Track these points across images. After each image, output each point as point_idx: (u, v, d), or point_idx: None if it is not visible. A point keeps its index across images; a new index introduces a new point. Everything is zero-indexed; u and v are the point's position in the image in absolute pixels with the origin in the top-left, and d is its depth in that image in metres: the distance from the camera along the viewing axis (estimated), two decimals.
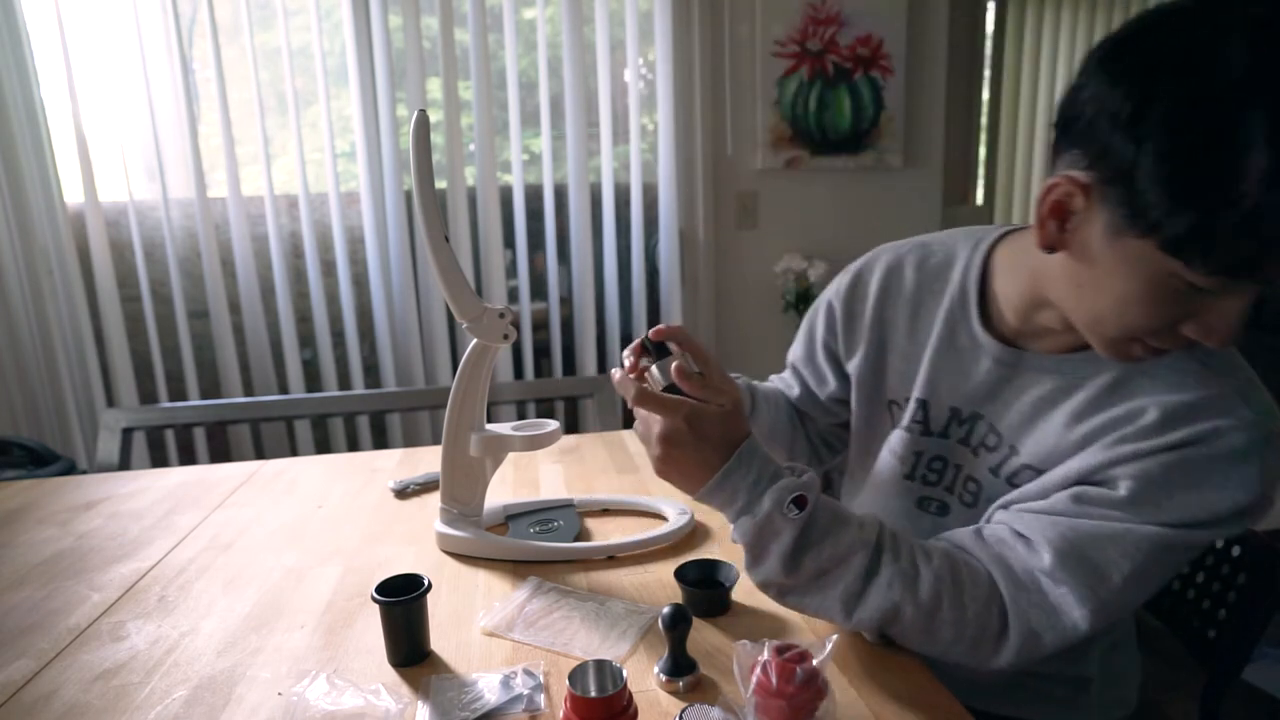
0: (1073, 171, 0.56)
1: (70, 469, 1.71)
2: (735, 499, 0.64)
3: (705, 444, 0.64)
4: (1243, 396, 0.62)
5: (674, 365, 0.68)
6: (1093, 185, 0.55)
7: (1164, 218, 0.51)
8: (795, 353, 0.98)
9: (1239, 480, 0.60)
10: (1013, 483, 0.72)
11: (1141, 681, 0.87)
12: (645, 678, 0.63)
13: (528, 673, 0.64)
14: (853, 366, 0.87)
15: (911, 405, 0.80)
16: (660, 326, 0.72)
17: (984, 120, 3.10)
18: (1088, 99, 0.55)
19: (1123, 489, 0.62)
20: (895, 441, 0.83)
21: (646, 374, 0.73)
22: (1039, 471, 0.69)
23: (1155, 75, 0.51)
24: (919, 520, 0.81)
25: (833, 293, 0.89)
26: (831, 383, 0.92)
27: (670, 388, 0.69)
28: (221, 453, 2.20)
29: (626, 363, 0.74)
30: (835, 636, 0.56)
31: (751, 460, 0.64)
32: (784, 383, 1.00)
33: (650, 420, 0.66)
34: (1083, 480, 0.65)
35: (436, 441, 1.77)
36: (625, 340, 2.36)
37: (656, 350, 0.72)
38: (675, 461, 0.65)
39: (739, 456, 0.64)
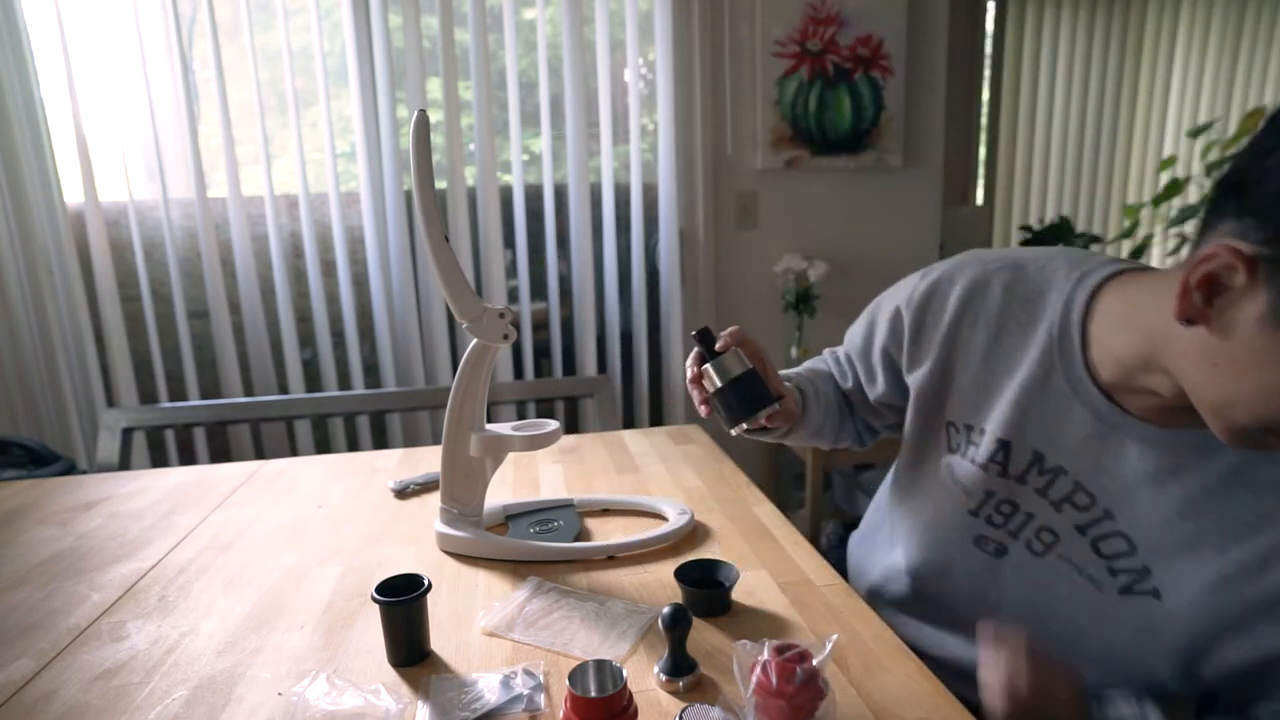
0: (1238, 243, 0.50)
1: (70, 469, 1.71)
2: None
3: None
4: None
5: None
6: (1261, 262, 0.49)
7: None
8: (852, 343, 0.92)
9: None
10: (1099, 546, 0.68)
11: None
12: (645, 678, 0.63)
13: (528, 673, 0.64)
14: (914, 379, 0.81)
15: (988, 442, 0.73)
16: (731, 334, 0.77)
17: (984, 120, 3.10)
18: (1274, 166, 0.48)
19: None
20: (964, 473, 0.76)
21: (705, 377, 0.77)
22: (1133, 543, 0.65)
23: None
24: (972, 557, 0.76)
25: (904, 299, 0.81)
26: (880, 386, 0.87)
27: (729, 384, 0.74)
28: (221, 453, 2.20)
29: (689, 371, 0.78)
30: (835, 636, 0.56)
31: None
32: (838, 369, 0.95)
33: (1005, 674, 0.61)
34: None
35: (436, 441, 1.77)
36: (625, 340, 2.36)
37: (706, 347, 0.77)
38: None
39: None
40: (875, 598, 0.89)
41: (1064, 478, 0.69)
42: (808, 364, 1.00)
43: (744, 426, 0.77)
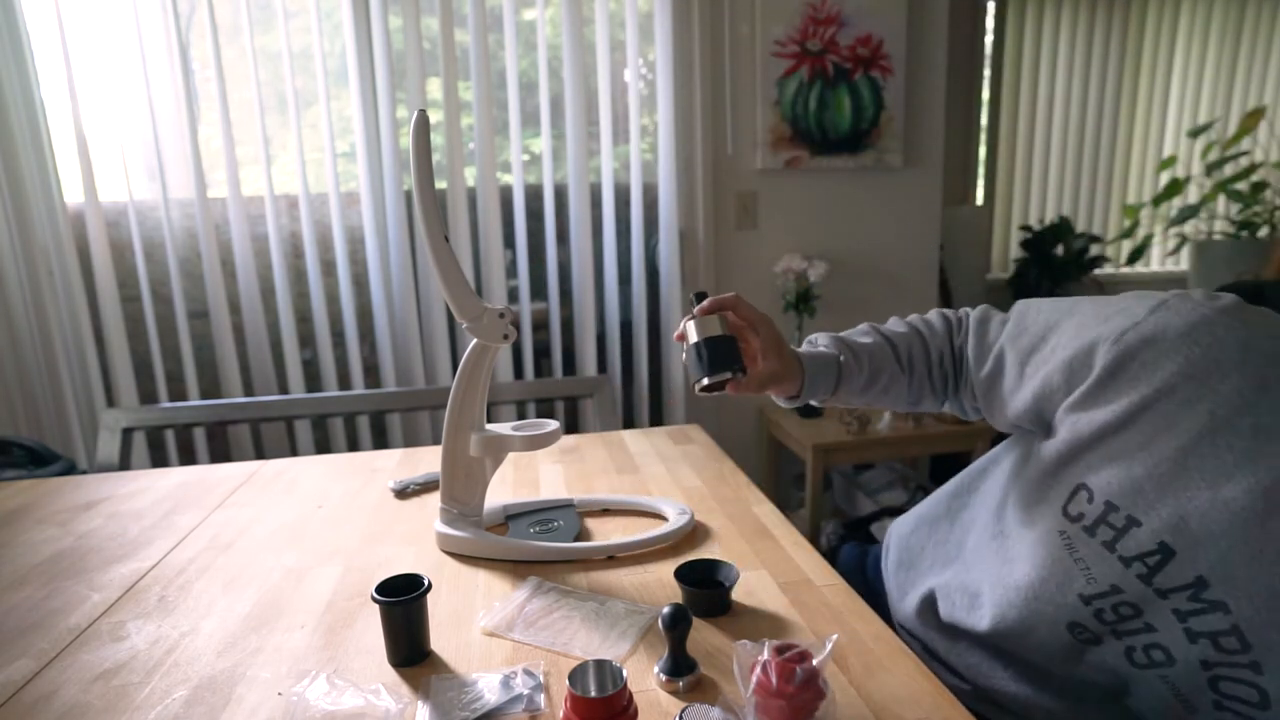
0: None
1: (70, 469, 1.71)
2: None
3: None
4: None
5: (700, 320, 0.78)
6: None
7: None
8: (995, 331, 0.78)
9: None
10: (1220, 687, 0.60)
11: None
12: (645, 678, 0.63)
13: (528, 673, 0.64)
14: (1070, 418, 0.66)
15: (1146, 538, 0.61)
16: (716, 299, 0.79)
17: (984, 120, 3.10)
18: None
19: None
20: (1093, 557, 0.64)
21: (684, 335, 0.80)
22: (1267, 698, 0.58)
23: None
24: (1058, 635, 0.69)
25: (1112, 334, 0.64)
26: (1009, 399, 0.74)
27: (701, 341, 0.77)
28: (221, 453, 2.20)
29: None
30: (835, 636, 0.56)
31: None
32: (941, 325, 0.85)
33: None
34: None
35: (436, 441, 1.77)
36: (625, 340, 2.36)
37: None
38: None
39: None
40: (919, 616, 0.83)
41: (1222, 616, 0.59)
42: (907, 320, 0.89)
43: (704, 382, 0.79)
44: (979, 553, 0.78)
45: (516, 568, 0.85)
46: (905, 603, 0.87)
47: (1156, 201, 3.16)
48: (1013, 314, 0.78)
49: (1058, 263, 2.85)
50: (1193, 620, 0.60)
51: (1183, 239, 3.22)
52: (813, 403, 0.85)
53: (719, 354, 0.77)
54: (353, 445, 2.25)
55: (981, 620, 0.74)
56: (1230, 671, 0.60)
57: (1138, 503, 0.61)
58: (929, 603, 0.82)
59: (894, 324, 0.88)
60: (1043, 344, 0.71)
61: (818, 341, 0.87)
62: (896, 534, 0.96)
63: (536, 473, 1.18)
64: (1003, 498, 0.77)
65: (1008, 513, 0.75)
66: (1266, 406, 0.57)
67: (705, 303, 0.80)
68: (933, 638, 0.83)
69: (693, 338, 0.79)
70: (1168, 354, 0.60)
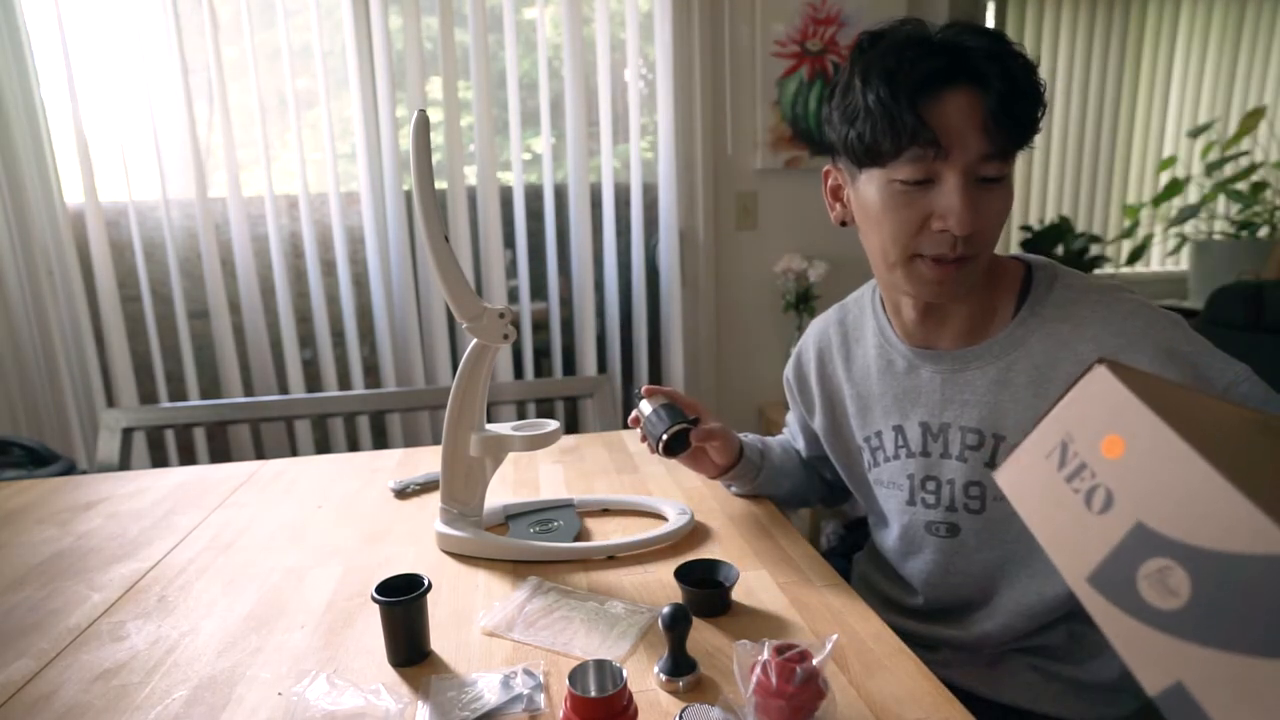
0: (836, 167, 0.80)
1: (70, 469, 1.71)
2: None
3: None
4: (1143, 302, 0.74)
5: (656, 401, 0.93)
6: (834, 161, 0.80)
7: (847, 142, 0.73)
8: (793, 426, 1.09)
9: (1208, 353, 0.71)
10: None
11: None
12: (645, 678, 0.63)
13: (528, 673, 0.64)
14: (817, 425, 0.97)
15: (889, 434, 0.87)
16: (649, 388, 0.94)
17: None
18: (827, 116, 0.77)
19: None
20: (888, 473, 0.88)
21: (639, 414, 0.93)
22: None
23: (832, 95, 0.76)
24: (932, 545, 0.85)
25: (788, 371, 1.02)
26: (805, 445, 1.05)
27: (663, 405, 0.92)
28: (221, 453, 2.20)
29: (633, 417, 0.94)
30: (835, 636, 0.56)
31: None
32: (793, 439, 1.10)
33: None
34: None
35: (436, 441, 1.77)
36: (625, 340, 2.36)
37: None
38: None
39: None
40: (889, 611, 0.94)
41: (951, 430, 0.81)
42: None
43: (664, 438, 0.89)
44: (888, 556, 0.96)
45: (516, 568, 0.85)
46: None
47: (1156, 201, 3.16)
48: None
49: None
50: (950, 448, 0.82)
51: (1183, 239, 3.22)
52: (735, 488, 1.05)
53: (674, 411, 0.91)
54: (353, 445, 2.25)
55: (901, 591, 0.92)
56: (1000, 454, 0.78)
57: (864, 424, 0.90)
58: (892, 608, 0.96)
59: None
60: (792, 409, 1.07)
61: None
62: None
63: (536, 473, 1.18)
64: (858, 498, 1.00)
65: (868, 504, 0.98)
66: (848, 326, 0.94)
67: (648, 387, 0.96)
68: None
69: (647, 410, 0.93)
70: (805, 354, 0.99)
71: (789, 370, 1.01)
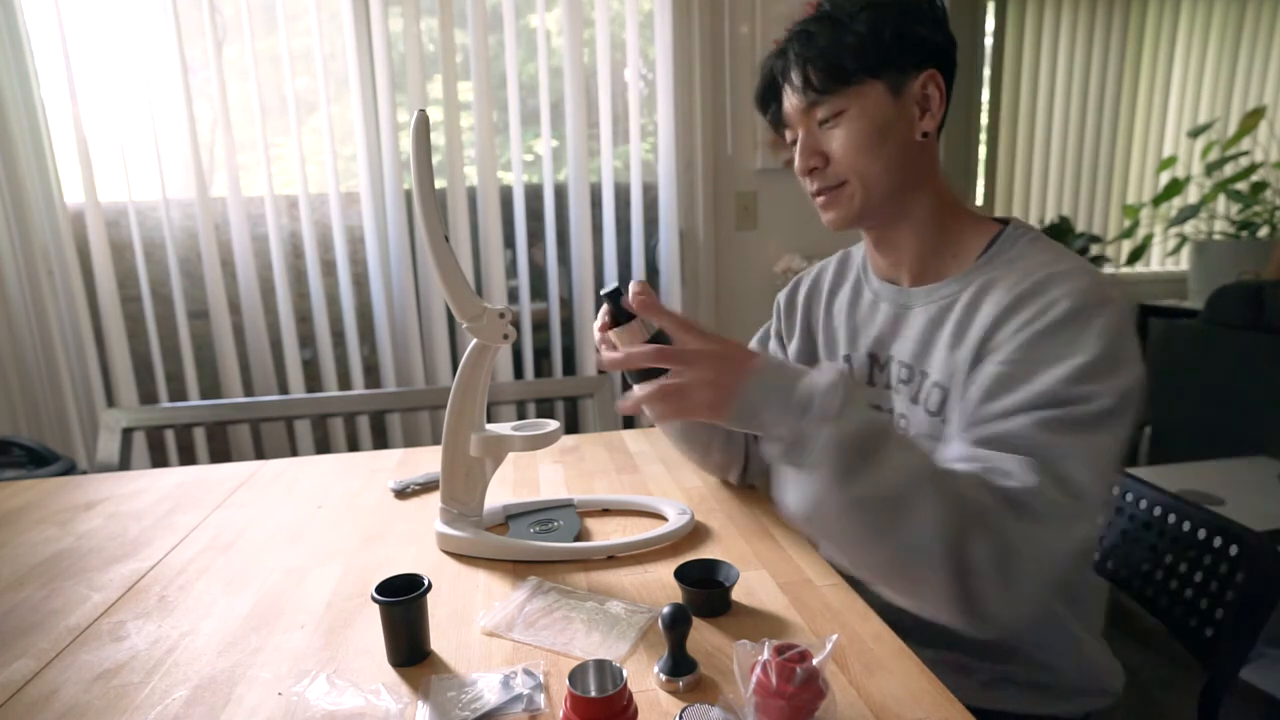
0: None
1: (70, 469, 1.72)
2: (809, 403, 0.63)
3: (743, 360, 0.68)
4: (1075, 272, 0.71)
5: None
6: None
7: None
8: (752, 346, 1.06)
9: (1080, 335, 0.67)
10: (928, 407, 0.80)
11: (1127, 679, 0.87)
12: (645, 678, 0.63)
13: (528, 673, 0.64)
14: (791, 351, 1.01)
15: (841, 364, 0.92)
16: (635, 290, 0.73)
17: (984, 120, 3.10)
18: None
19: (994, 379, 0.69)
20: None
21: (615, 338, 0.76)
22: (945, 389, 0.78)
23: None
24: None
25: (781, 295, 1.06)
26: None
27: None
28: (221, 453, 2.20)
29: (598, 326, 0.79)
30: (835, 636, 0.56)
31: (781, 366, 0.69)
32: None
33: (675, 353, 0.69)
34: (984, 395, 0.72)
35: (436, 441, 1.77)
36: None
37: (616, 308, 0.75)
38: (719, 377, 0.67)
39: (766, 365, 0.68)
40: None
41: (893, 364, 0.85)
42: None
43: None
44: None
45: (516, 568, 0.85)
46: None
47: (1156, 201, 3.16)
48: None
49: None
50: (892, 380, 0.86)
51: (1183, 239, 3.22)
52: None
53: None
54: (353, 445, 2.25)
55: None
56: (922, 391, 0.81)
57: (829, 354, 0.96)
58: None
59: None
60: (767, 333, 1.10)
61: None
62: None
63: (536, 473, 1.18)
64: None
65: None
66: (842, 266, 0.99)
67: (636, 302, 0.74)
68: None
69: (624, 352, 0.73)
70: (799, 283, 1.04)
71: (783, 294, 1.05)
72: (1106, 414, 0.65)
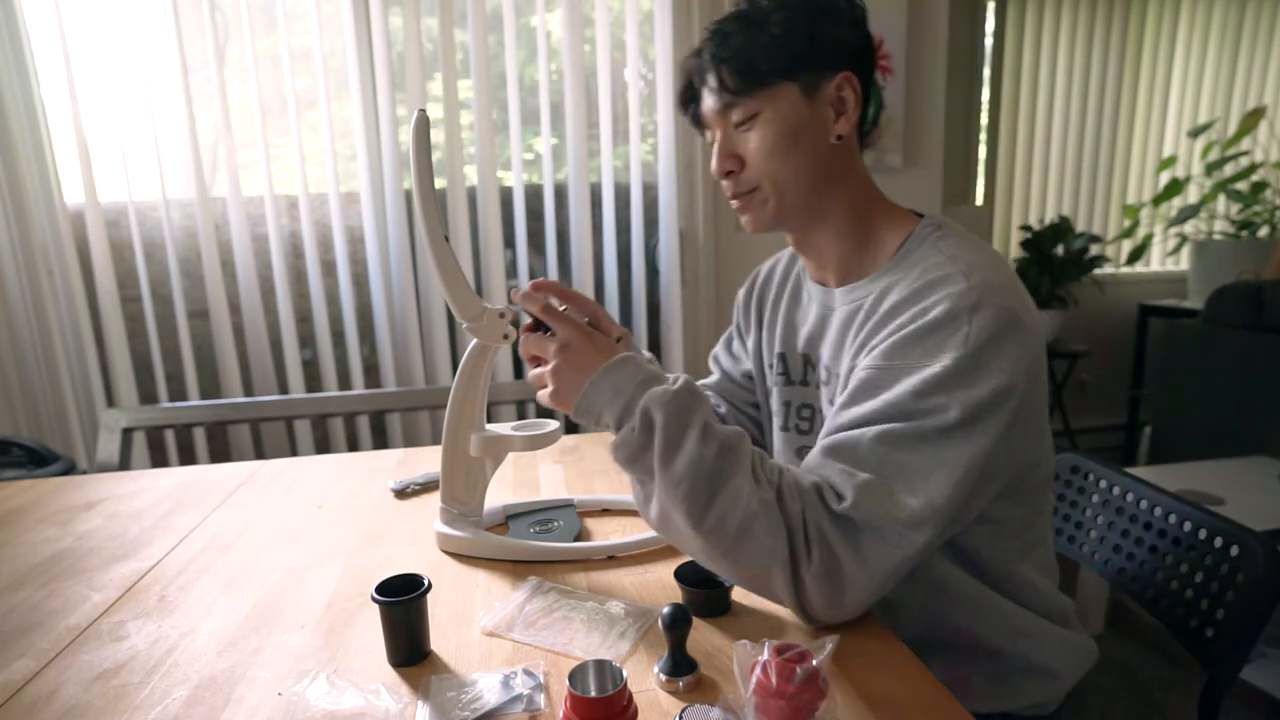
0: None
1: (70, 469, 1.72)
2: (618, 396, 0.68)
3: (599, 355, 0.70)
4: (955, 277, 0.69)
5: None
6: None
7: None
8: (716, 349, 1.11)
9: (941, 345, 0.66)
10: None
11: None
12: (645, 678, 0.63)
13: (528, 673, 0.64)
14: (750, 345, 1.01)
15: (777, 362, 0.93)
16: (535, 283, 0.77)
17: (984, 120, 3.10)
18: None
19: (857, 384, 0.70)
20: (773, 398, 0.94)
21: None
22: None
23: None
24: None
25: (742, 291, 1.05)
26: (745, 361, 1.04)
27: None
28: (221, 453, 2.20)
29: (525, 343, 0.79)
30: (835, 636, 0.56)
31: (636, 363, 0.70)
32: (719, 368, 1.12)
33: (545, 339, 0.73)
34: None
35: (436, 441, 1.77)
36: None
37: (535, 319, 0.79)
38: (570, 368, 0.71)
39: (622, 358, 0.70)
40: None
41: (820, 365, 0.85)
42: None
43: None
44: None
45: (516, 568, 0.85)
46: None
47: (1156, 201, 3.16)
48: None
49: (1058, 263, 2.85)
50: (818, 381, 0.87)
51: (1183, 239, 3.23)
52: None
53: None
54: (353, 445, 2.25)
55: None
56: (836, 393, 0.80)
57: (769, 350, 0.95)
58: None
59: None
60: (731, 332, 1.09)
61: None
62: None
63: (536, 473, 1.18)
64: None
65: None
66: (791, 265, 0.96)
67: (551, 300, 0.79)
68: None
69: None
70: (756, 276, 1.04)
71: (742, 290, 1.04)
72: (953, 427, 0.65)
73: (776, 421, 0.93)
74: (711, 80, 0.79)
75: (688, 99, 0.84)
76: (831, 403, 0.82)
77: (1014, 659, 0.79)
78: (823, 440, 0.70)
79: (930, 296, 0.69)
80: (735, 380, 1.06)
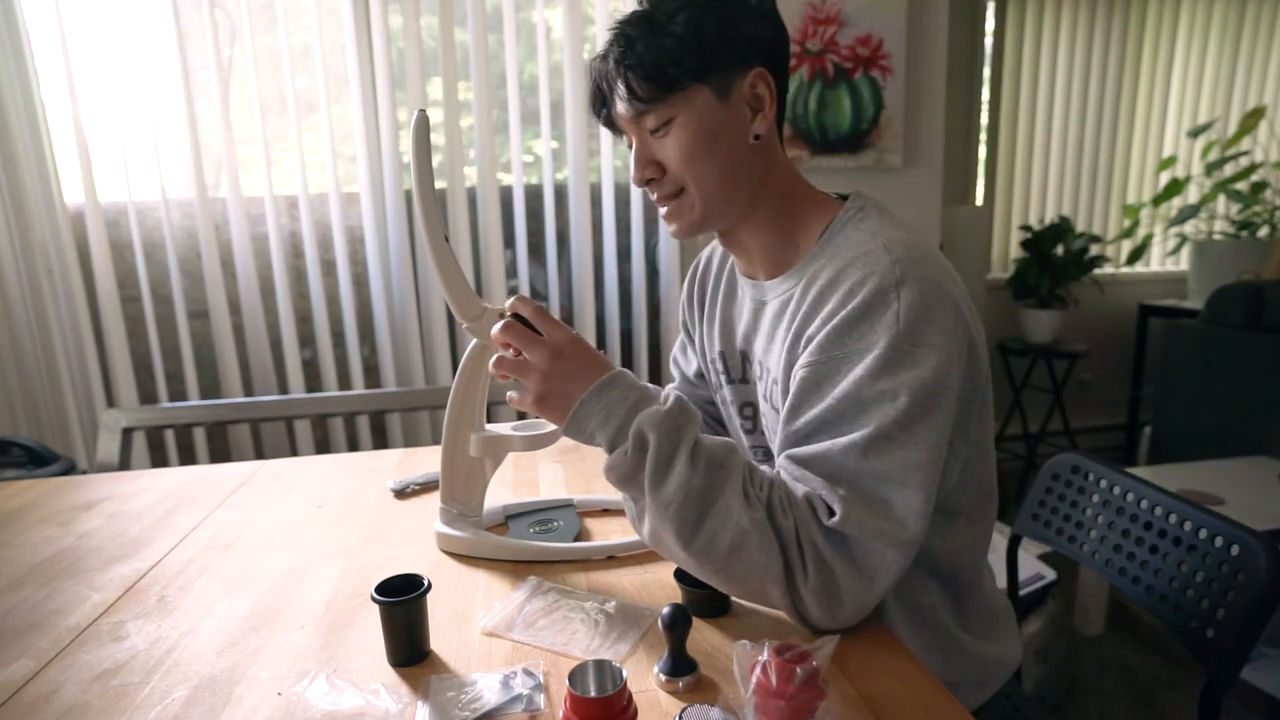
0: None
1: (70, 469, 1.72)
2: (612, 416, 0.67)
3: (594, 368, 0.69)
4: (874, 254, 0.69)
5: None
6: None
7: None
8: (675, 351, 1.09)
9: (873, 327, 0.66)
10: (774, 404, 0.79)
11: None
12: (645, 678, 0.63)
13: (527, 673, 0.64)
14: (697, 341, 1.00)
15: (719, 360, 0.92)
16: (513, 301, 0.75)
17: (984, 120, 3.10)
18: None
19: (801, 384, 0.70)
20: (718, 397, 0.95)
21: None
22: (785, 387, 0.76)
23: None
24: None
25: (685, 286, 1.02)
26: (695, 360, 1.03)
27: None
28: (221, 453, 2.20)
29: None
30: (835, 636, 0.56)
31: (628, 381, 0.69)
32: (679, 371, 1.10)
33: (536, 343, 0.70)
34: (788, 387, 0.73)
35: (436, 441, 1.77)
36: (625, 340, 2.36)
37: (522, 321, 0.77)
38: (559, 377, 0.68)
39: (615, 374, 0.68)
40: None
41: (756, 361, 0.85)
42: None
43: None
44: None
45: (516, 568, 0.85)
46: None
47: (1156, 201, 3.16)
48: None
49: (1058, 263, 2.85)
50: (754, 377, 0.86)
51: (1183, 239, 3.23)
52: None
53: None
54: (353, 445, 2.25)
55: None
56: (770, 388, 0.81)
57: (709, 346, 0.94)
58: None
59: None
60: (684, 328, 1.06)
61: None
62: None
63: (536, 473, 1.18)
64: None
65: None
66: (725, 258, 0.94)
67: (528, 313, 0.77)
68: None
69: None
70: (694, 269, 1.01)
71: (684, 287, 1.01)
72: (909, 416, 0.64)
73: (734, 422, 0.93)
74: (621, 88, 0.75)
75: (598, 104, 0.80)
76: (766, 398, 0.81)
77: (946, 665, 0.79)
78: (792, 450, 0.69)
79: (854, 275, 0.69)
80: (691, 381, 1.05)
